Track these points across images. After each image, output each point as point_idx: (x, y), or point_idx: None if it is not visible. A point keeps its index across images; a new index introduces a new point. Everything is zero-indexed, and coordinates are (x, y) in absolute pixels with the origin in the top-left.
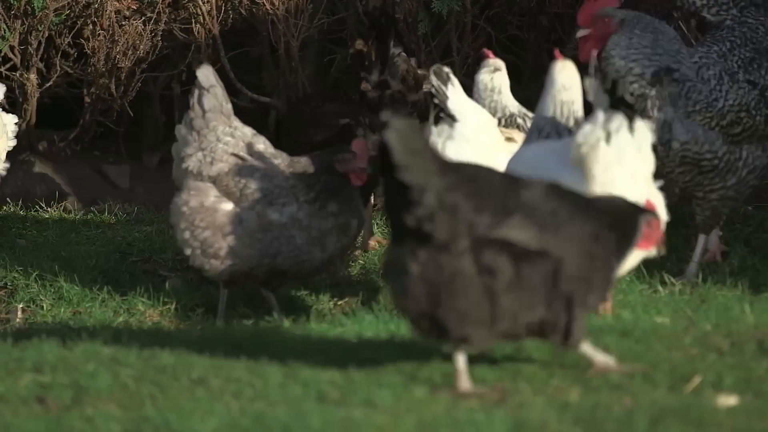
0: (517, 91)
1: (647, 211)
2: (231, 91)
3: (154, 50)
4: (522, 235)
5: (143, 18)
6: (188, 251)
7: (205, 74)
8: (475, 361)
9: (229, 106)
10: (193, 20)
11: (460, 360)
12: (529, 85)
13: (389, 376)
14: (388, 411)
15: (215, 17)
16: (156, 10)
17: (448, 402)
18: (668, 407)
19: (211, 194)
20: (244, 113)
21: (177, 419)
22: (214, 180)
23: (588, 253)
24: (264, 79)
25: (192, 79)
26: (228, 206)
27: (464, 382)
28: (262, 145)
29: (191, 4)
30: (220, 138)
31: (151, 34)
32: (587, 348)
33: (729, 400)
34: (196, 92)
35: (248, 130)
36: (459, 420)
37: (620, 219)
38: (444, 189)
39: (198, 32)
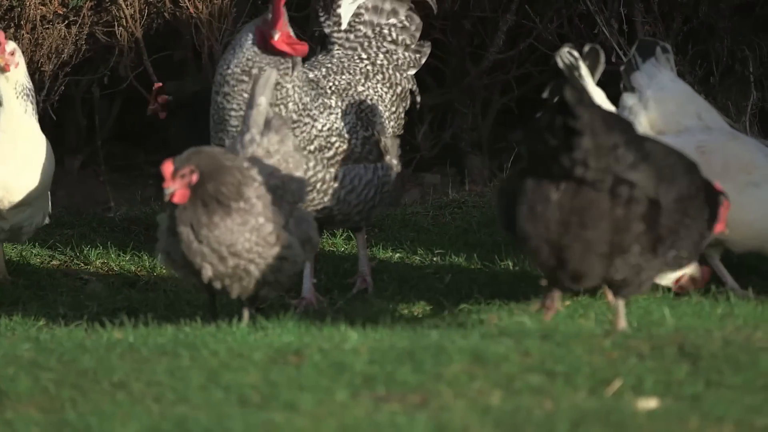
0: (439, 94)
1: (722, 192)
2: None
3: (77, 54)
4: (646, 181)
5: (66, 21)
6: None
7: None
8: (397, 364)
9: None
10: (116, 23)
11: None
12: (452, 89)
13: (311, 379)
14: (309, 415)
15: (138, 20)
16: (80, 14)
17: (369, 406)
18: (589, 411)
19: None
20: None
21: (97, 423)
22: None
23: (685, 211)
24: (187, 82)
25: (114, 83)
26: None
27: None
28: None
29: (114, 7)
30: None
31: (74, 37)
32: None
33: (649, 404)
34: None
35: None
36: (380, 423)
37: (710, 192)
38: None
39: (121, 35)
